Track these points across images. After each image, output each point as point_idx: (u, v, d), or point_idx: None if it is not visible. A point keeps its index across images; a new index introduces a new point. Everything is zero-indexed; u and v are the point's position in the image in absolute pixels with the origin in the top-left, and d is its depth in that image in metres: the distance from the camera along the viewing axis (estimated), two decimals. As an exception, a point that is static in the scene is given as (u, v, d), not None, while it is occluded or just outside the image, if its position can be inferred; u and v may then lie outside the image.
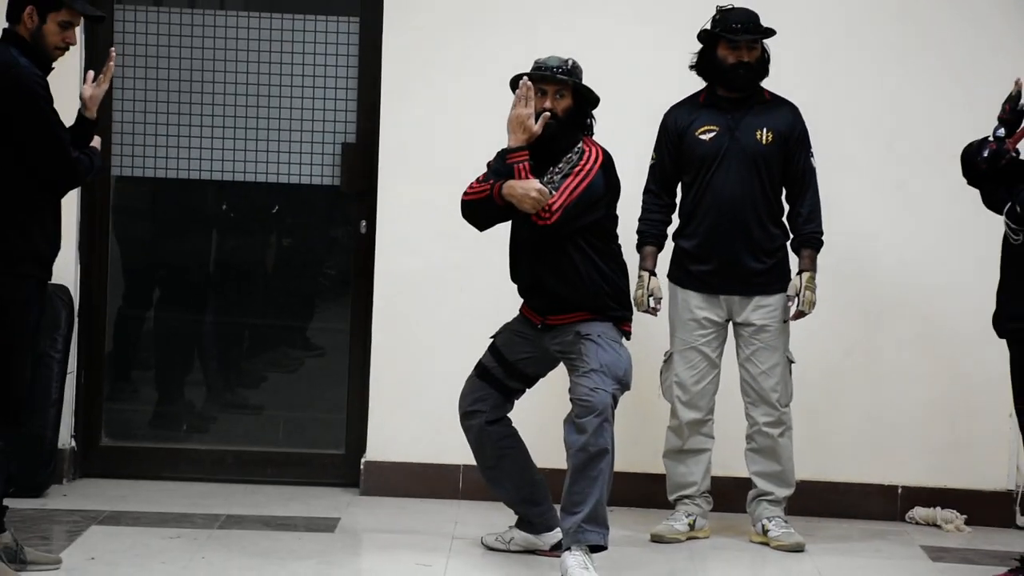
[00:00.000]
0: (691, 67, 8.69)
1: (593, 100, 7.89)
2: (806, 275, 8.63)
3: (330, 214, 9.87)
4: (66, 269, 8.97)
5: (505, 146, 7.80)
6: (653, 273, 8.65)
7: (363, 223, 9.53)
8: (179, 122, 9.65)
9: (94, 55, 9.39)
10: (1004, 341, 7.93)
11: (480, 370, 8.07)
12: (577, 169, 7.75)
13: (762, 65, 8.65)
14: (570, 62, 7.83)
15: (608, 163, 7.86)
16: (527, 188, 7.57)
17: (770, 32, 8.60)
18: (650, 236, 8.71)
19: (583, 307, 7.89)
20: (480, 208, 7.78)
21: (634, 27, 9.16)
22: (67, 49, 7.55)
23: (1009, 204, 7.56)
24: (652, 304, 8.67)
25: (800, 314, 8.70)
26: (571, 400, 7.74)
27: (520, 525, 8.21)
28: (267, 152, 9.66)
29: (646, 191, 8.77)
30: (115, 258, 9.70)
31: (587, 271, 7.87)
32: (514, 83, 7.85)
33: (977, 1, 9.46)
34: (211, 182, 9.78)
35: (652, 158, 8.76)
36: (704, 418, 8.70)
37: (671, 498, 8.78)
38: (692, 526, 8.69)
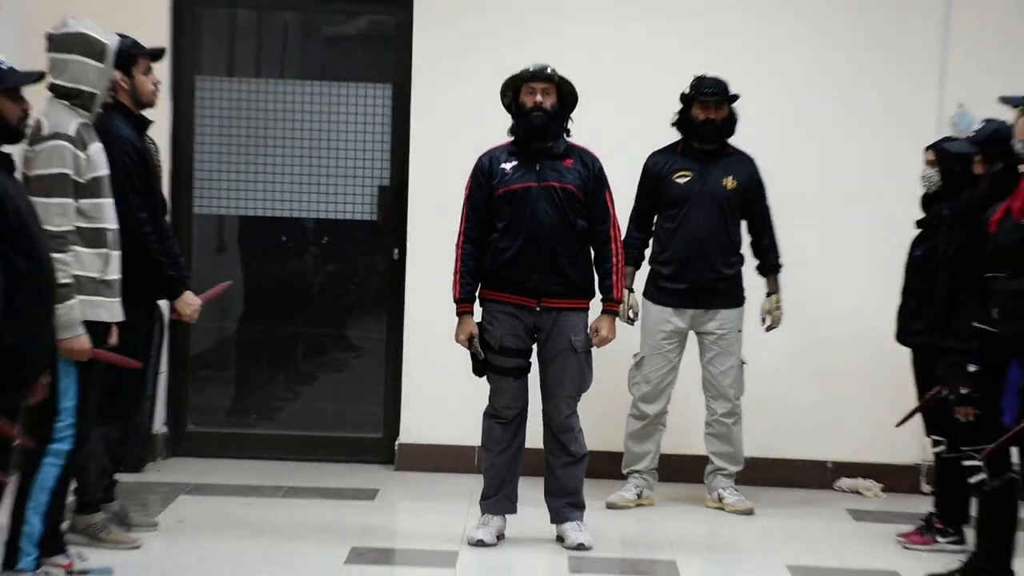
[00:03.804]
0: (672, 124, 8.82)
1: (575, 99, 7.85)
2: (774, 297, 8.90)
3: (368, 244, 9.98)
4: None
5: None
6: (632, 290, 8.79)
7: (396, 251, 9.71)
8: (246, 169, 9.81)
9: (179, 115, 9.66)
10: (907, 348, 8.21)
11: (513, 371, 7.89)
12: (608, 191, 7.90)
13: (728, 124, 8.81)
14: (550, 68, 7.80)
15: None
16: None
17: (735, 97, 8.77)
18: (631, 259, 8.73)
19: (579, 287, 7.87)
20: None
21: (622, 89, 9.34)
22: (158, 88, 7.63)
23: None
24: (631, 316, 8.80)
25: (771, 328, 8.95)
26: (550, 413, 7.92)
27: (499, 509, 7.97)
28: (317, 193, 9.84)
29: (631, 220, 8.83)
30: (201, 283, 9.05)
31: (587, 255, 7.91)
32: (514, 81, 7.82)
33: (902, 62, 9.55)
34: (272, 218, 9.94)
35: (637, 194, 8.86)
36: (663, 410, 8.85)
37: (624, 471, 8.94)
38: (640, 496, 8.87)
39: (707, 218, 8.78)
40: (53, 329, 6.13)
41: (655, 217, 8.91)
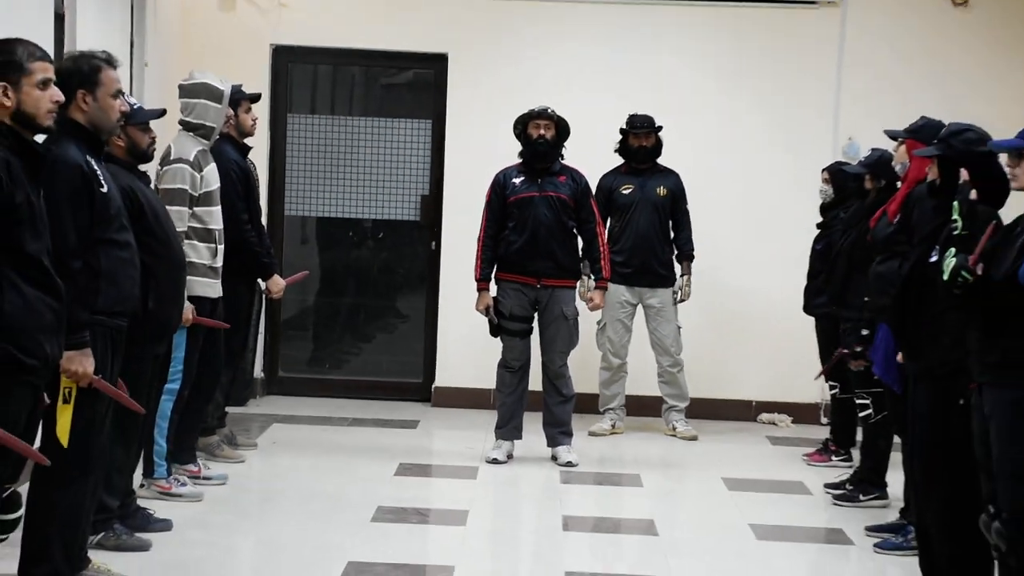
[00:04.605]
0: (615, 151, 8.82)
1: (568, 132, 7.87)
2: (686, 277, 8.81)
3: (412, 238, 9.95)
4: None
5: None
6: (588, 276, 8.27)
7: (433, 244, 9.72)
8: (324, 182, 9.77)
9: (275, 142, 9.62)
10: (811, 318, 8.15)
11: (519, 332, 7.89)
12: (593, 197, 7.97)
13: (656, 148, 8.77)
14: (550, 109, 7.82)
15: None
16: None
17: (659, 128, 8.73)
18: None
19: (568, 270, 7.86)
20: None
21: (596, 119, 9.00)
22: (256, 123, 7.55)
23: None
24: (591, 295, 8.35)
25: (681, 301, 8.83)
26: (547, 364, 7.91)
27: (509, 436, 7.96)
28: (376, 200, 9.81)
29: None
30: (288, 267, 9.42)
31: (575, 246, 7.93)
32: (523, 119, 7.84)
33: (805, 106, 9.44)
34: (342, 218, 9.92)
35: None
36: (623, 362, 8.89)
37: (601, 409, 8.94)
38: (613, 427, 8.91)
39: (646, 218, 8.78)
40: (183, 298, 6.07)
41: (609, 219, 8.80)
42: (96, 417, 5.08)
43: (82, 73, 4.95)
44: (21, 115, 4.26)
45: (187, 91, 6.86)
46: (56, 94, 4.36)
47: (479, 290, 7.92)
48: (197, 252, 6.72)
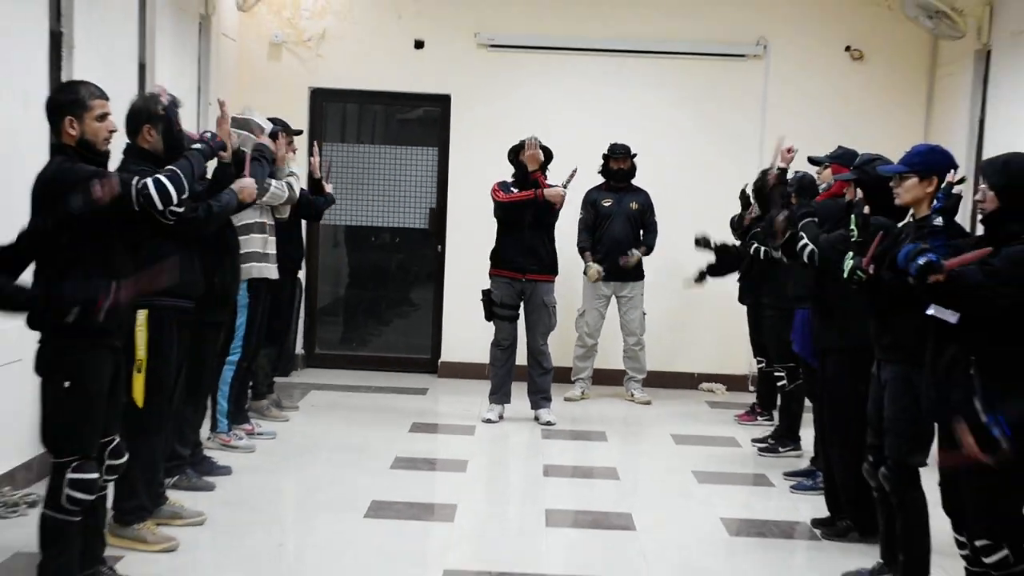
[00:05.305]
0: (598, 172, 8.80)
1: (551, 157, 7.83)
2: (639, 253, 8.68)
3: (423, 242, 9.88)
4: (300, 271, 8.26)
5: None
6: (592, 263, 8.64)
7: (439, 247, 9.69)
8: (351, 197, 9.67)
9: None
10: (743, 307, 8.06)
11: (508, 317, 7.85)
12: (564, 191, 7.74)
13: (631, 170, 8.79)
14: (536, 139, 7.75)
15: None
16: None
17: (634, 155, 8.78)
18: (587, 248, 8.76)
19: (548, 267, 7.80)
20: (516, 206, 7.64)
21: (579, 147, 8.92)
22: (295, 153, 7.22)
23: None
24: (603, 274, 8.65)
25: (627, 262, 8.67)
26: (530, 342, 7.88)
27: (500, 401, 7.93)
28: (393, 212, 9.75)
29: (581, 229, 8.79)
30: (324, 265, 9.81)
31: (553, 245, 7.86)
32: (516, 148, 7.80)
33: (736, 139, 9.38)
34: (366, 226, 9.87)
35: (580, 213, 8.83)
36: (595, 342, 8.91)
37: (573, 379, 8.95)
38: (583, 393, 8.92)
39: (620, 227, 8.78)
40: (239, 276, 6.11)
41: (593, 227, 8.83)
42: (164, 383, 5.12)
43: (149, 112, 4.96)
44: (84, 142, 4.28)
45: (237, 123, 6.65)
46: (111, 125, 4.35)
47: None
48: (252, 242, 6.68)
